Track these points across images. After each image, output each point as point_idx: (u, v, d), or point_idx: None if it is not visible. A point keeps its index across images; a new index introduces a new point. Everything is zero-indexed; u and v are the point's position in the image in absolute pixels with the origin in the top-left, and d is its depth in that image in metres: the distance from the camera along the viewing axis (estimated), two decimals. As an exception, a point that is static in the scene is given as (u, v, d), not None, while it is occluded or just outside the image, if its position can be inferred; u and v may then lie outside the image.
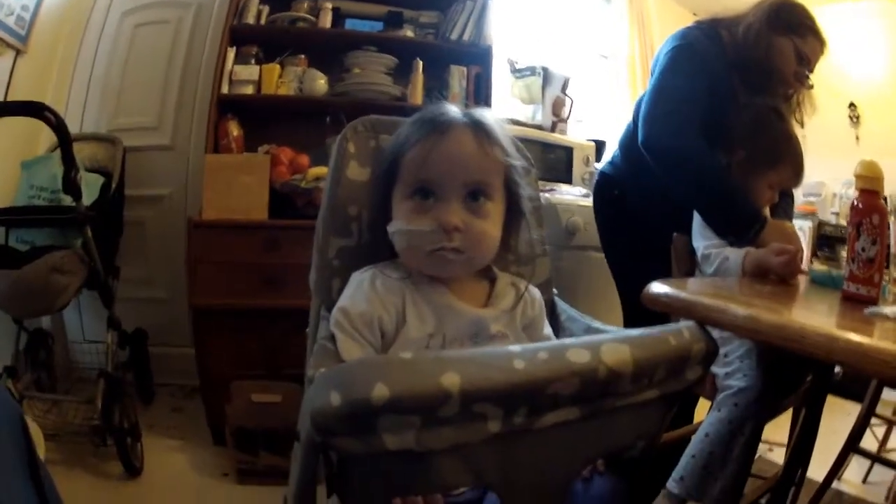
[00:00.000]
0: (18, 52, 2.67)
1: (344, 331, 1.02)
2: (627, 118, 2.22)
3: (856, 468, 2.50)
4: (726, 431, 1.55)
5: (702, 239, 1.83)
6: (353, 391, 0.59)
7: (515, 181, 1.12)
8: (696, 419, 2.26)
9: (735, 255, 1.69)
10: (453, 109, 1.09)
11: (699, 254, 1.82)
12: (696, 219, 1.87)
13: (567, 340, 0.77)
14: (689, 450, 1.58)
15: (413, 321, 1.05)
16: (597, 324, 1.23)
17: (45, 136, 2.73)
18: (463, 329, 1.07)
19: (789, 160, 1.86)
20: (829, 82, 4.89)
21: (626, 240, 2.19)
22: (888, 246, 1.22)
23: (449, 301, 1.08)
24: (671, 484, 1.56)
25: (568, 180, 3.35)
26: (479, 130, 1.06)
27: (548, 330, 1.22)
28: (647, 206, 2.09)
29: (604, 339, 0.76)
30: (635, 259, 2.08)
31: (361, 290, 1.06)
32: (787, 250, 1.52)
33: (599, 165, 3.11)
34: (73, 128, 2.57)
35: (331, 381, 0.61)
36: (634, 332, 0.80)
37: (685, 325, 0.86)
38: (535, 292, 1.21)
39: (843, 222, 4.00)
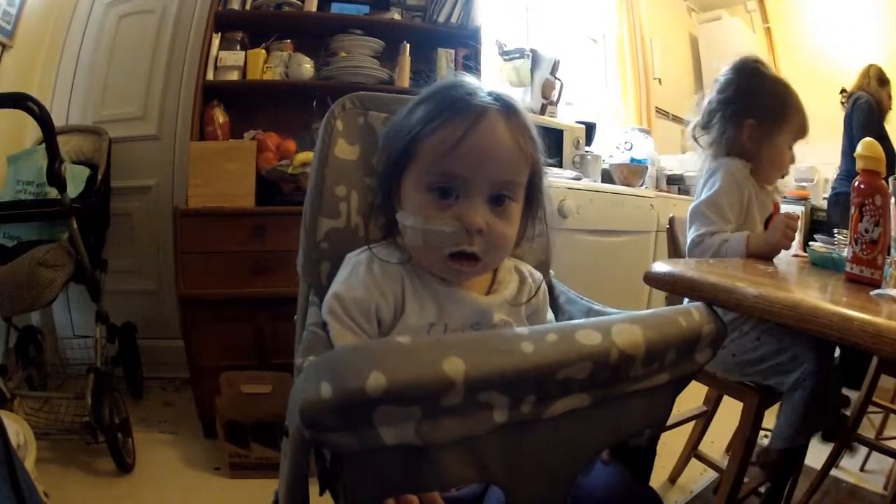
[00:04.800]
0: (4, 47, 2.66)
1: (338, 319, 0.96)
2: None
3: (853, 456, 2.48)
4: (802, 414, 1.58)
5: (692, 226, 1.79)
6: (346, 381, 0.54)
7: (540, 177, 1.04)
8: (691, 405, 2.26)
9: (736, 238, 1.66)
10: (480, 89, 0.97)
11: (689, 240, 1.78)
12: (693, 206, 1.83)
13: (575, 322, 0.72)
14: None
15: (413, 309, 0.98)
16: (598, 306, 1.17)
17: (30, 131, 2.70)
18: (465, 318, 1.01)
19: (794, 107, 1.82)
20: (820, 67, 4.92)
21: None
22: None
23: (451, 289, 1.01)
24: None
25: (558, 164, 3.33)
26: (513, 119, 0.96)
27: (550, 316, 1.17)
28: None
29: (613, 319, 0.71)
30: None
31: (357, 275, 0.99)
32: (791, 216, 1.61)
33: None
34: (59, 121, 2.57)
35: (321, 370, 0.55)
36: (643, 313, 0.76)
37: (694, 306, 0.83)
38: (539, 278, 1.15)
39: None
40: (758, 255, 1.62)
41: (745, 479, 1.76)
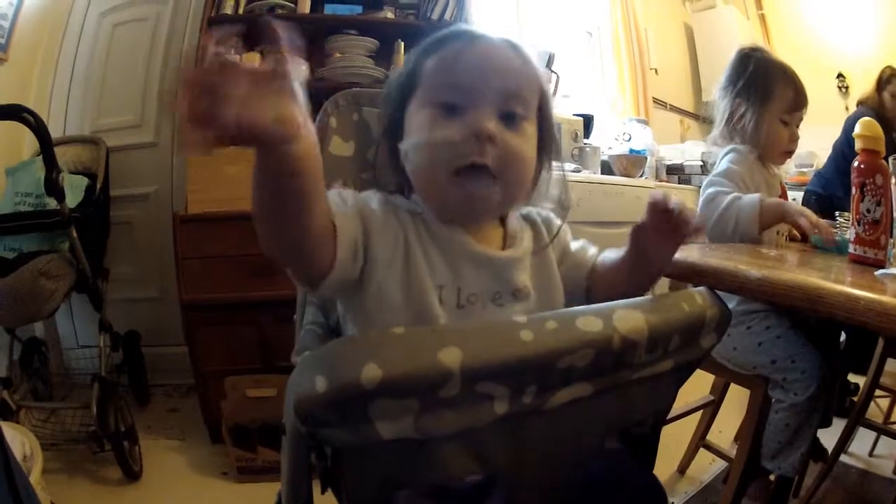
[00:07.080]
0: (-1, 60, 2.66)
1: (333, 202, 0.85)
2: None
3: (861, 441, 2.47)
4: (791, 430, 1.62)
5: (705, 193, 1.76)
6: (340, 373, 0.53)
7: (550, 107, 0.98)
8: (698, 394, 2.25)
9: (749, 197, 1.63)
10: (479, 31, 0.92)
11: (701, 198, 1.77)
12: (705, 180, 1.82)
13: (575, 308, 0.71)
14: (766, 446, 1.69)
15: (420, 264, 0.88)
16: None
17: (27, 143, 2.70)
18: (483, 283, 0.90)
19: (783, 81, 1.81)
20: (817, 53, 4.90)
21: None
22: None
23: (465, 244, 0.91)
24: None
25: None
26: (516, 48, 0.91)
27: (581, 244, 1.07)
28: None
29: (615, 305, 0.70)
30: None
31: (370, 195, 0.93)
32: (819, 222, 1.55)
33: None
34: (56, 132, 2.56)
35: (315, 363, 0.55)
36: (645, 298, 0.75)
37: (697, 291, 0.81)
38: (546, 213, 1.07)
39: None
40: (770, 214, 1.60)
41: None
